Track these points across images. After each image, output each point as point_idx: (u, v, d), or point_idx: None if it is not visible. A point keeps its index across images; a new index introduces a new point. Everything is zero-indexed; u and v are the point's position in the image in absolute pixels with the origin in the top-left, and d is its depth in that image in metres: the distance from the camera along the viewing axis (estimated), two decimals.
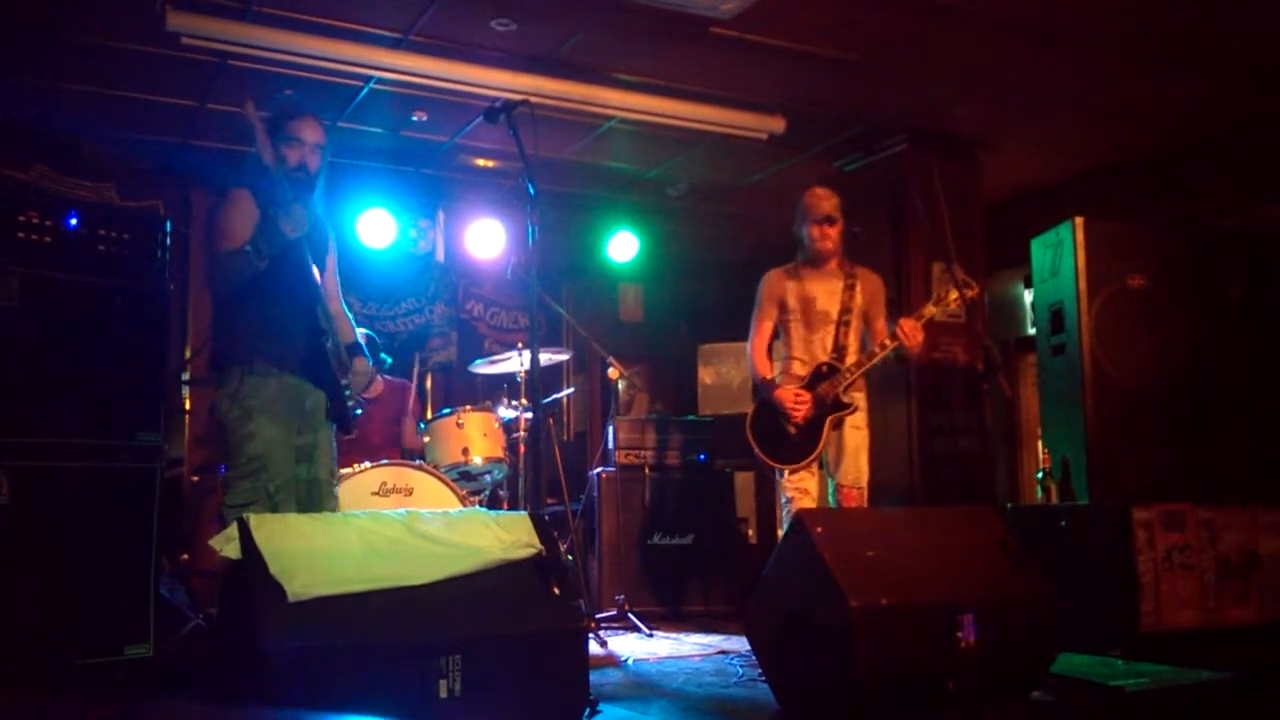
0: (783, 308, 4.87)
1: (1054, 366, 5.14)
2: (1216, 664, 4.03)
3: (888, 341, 4.64)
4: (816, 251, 4.80)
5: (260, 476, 3.60)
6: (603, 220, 8.00)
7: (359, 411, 3.94)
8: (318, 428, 3.80)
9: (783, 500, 4.72)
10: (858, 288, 4.81)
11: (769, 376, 4.84)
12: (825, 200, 4.79)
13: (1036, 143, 6.72)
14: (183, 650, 4.37)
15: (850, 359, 4.71)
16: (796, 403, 4.67)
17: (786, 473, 4.70)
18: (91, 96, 5.84)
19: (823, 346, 4.76)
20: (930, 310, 4.72)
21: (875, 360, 4.67)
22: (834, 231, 4.78)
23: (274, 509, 3.57)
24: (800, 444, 4.68)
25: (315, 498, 3.78)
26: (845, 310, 4.77)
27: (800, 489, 4.66)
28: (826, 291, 4.81)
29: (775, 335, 4.94)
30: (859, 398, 4.77)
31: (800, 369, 4.79)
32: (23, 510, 3.59)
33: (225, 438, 3.68)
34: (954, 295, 4.68)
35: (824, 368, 4.72)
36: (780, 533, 4.74)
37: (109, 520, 3.76)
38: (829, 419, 4.67)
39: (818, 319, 4.79)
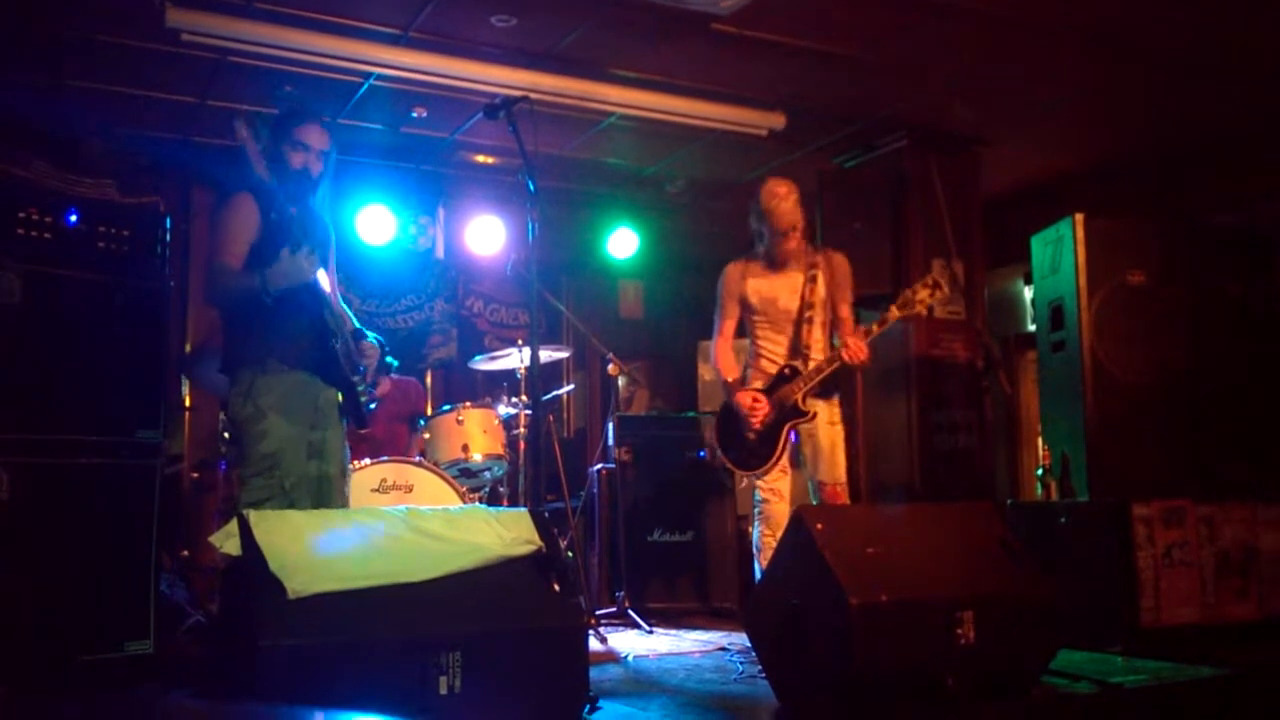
0: (746, 306, 4.72)
1: (1054, 363, 5.14)
2: (1216, 660, 4.03)
3: (833, 357, 4.49)
4: (779, 255, 4.64)
5: (274, 474, 3.60)
6: (603, 217, 8.00)
7: (373, 406, 3.94)
8: (329, 424, 3.80)
9: (756, 498, 4.64)
10: (819, 278, 4.62)
11: (730, 379, 4.71)
12: (785, 200, 4.55)
13: (1036, 139, 6.71)
14: (183, 647, 4.38)
15: (816, 357, 4.57)
16: (754, 407, 4.55)
17: (751, 478, 4.61)
18: (92, 93, 5.84)
19: (788, 347, 4.64)
20: (895, 313, 4.50)
21: (825, 374, 4.51)
22: (796, 235, 4.60)
23: (290, 505, 3.57)
24: (758, 449, 4.57)
25: (326, 494, 3.78)
26: (806, 306, 4.60)
27: (773, 490, 4.57)
28: (788, 288, 4.65)
29: (739, 333, 4.80)
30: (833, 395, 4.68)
31: (770, 368, 4.66)
32: (23, 507, 3.59)
33: (239, 436, 3.68)
34: (922, 295, 4.49)
35: (786, 370, 4.59)
36: (750, 529, 4.71)
37: (109, 517, 3.76)
38: (787, 425, 4.55)
39: (781, 317, 4.66)
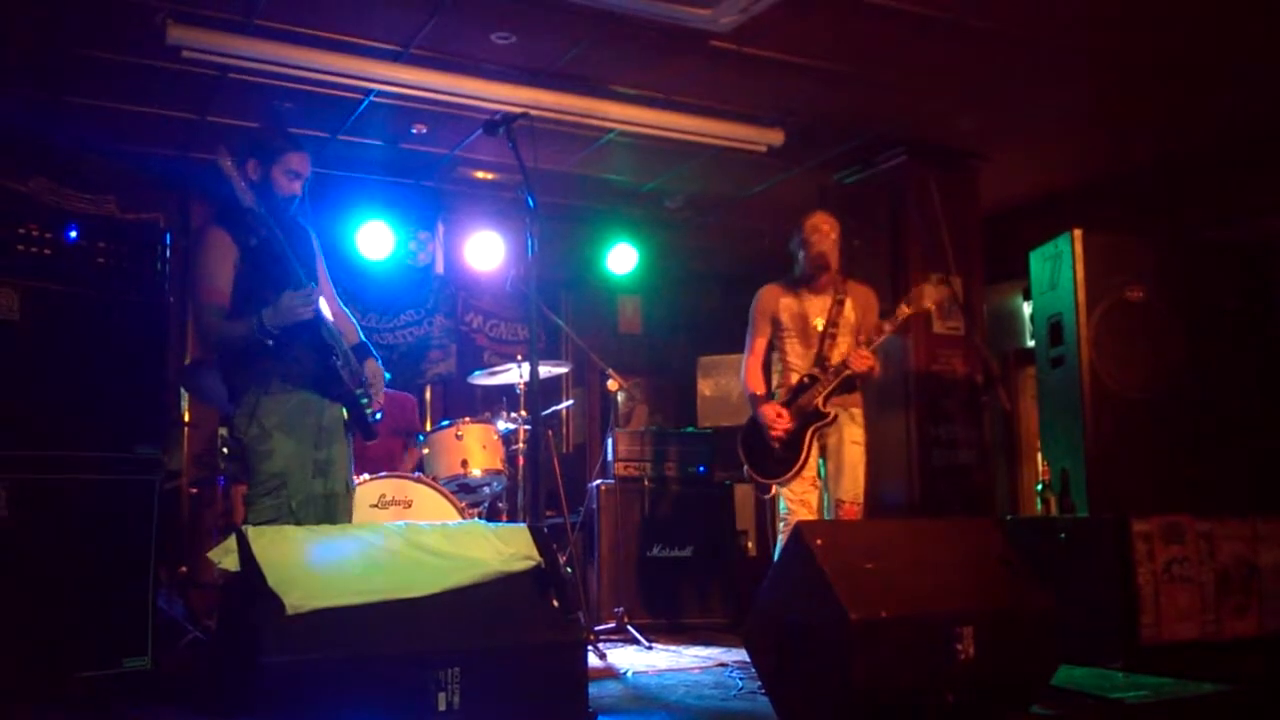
0: (776, 324, 4.91)
1: (1053, 378, 5.14)
2: (1217, 676, 4.02)
3: (840, 367, 4.69)
4: (815, 282, 4.85)
5: (281, 493, 3.58)
6: (602, 232, 8.02)
7: (379, 416, 3.93)
8: (334, 442, 3.79)
9: (781, 510, 4.73)
10: (847, 303, 4.84)
11: (757, 393, 4.88)
12: (829, 236, 4.80)
13: (1035, 155, 6.73)
14: (181, 663, 4.37)
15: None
16: (777, 418, 4.72)
17: (778, 485, 4.72)
18: (92, 109, 5.86)
19: (812, 360, 4.79)
20: (905, 310, 4.74)
21: (838, 380, 4.69)
22: (830, 270, 4.81)
23: (298, 524, 3.55)
24: (784, 457, 4.72)
25: (334, 511, 3.77)
26: (832, 324, 4.80)
27: (801, 500, 4.68)
28: (818, 307, 4.85)
29: (771, 349, 4.96)
30: (857, 414, 4.78)
31: (796, 380, 4.82)
32: (21, 523, 3.58)
33: (245, 456, 3.67)
34: (928, 291, 4.74)
35: (805, 379, 4.77)
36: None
37: (107, 533, 3.76)
38: (810, 430, 4.70)
39: (809, 333, 4.84)
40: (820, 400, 4.69)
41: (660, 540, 6.19)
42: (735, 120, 6.13)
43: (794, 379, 4.82)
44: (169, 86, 5.54)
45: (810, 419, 4.71)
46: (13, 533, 3.56)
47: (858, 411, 4.81)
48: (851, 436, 4.77)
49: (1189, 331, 5.13)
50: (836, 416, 4.72)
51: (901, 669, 3.21)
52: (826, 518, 4.77)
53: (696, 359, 8.41)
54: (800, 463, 4.68)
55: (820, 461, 4.78)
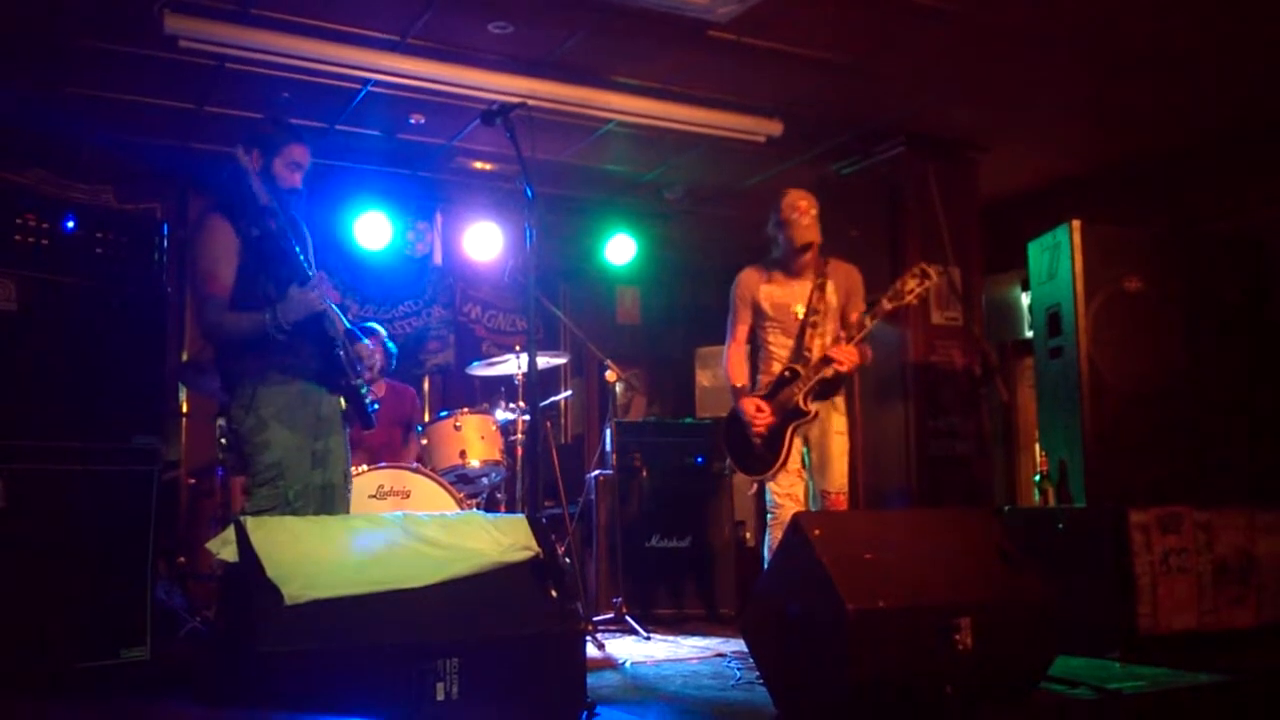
0: (758, 312, 4.76)
1: (1051, 369, 5.14)
2: (1214, 667, 4.03)
3: (820, 365, 4.51)
4: (794, 263, 4.70)
5: (278, 484, 3.58)
6: (600, 223, 8.01)
7: (376, 406, 3.93)
8: (332, 432, 3.79)
9: (769, 502, 4.65)
10: (828, 287, 4.68)
11: (738, 384, 4.76)
12: (805, 216, 4.62)
13: (1034, 146, 6.73)
14: (180, 653, 4.37)
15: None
16: (757, 415, 4.59)
17: (758, 480, 4.66)
18: (90, 99, 5.84)
19: (793, 351, 4.67)
20: (887, 305, 4.53)
21: (819, 377, 4.52)
22: (814, 244, 4.65)
23: (294, 515, 3.55)
24: (764, 454, 4.61)
25: (330, 502, 3.77)
26: (812, 312, 4.65)
27: (788, 494, 4.58)
28: (800, 295, 4.70)
29: (753, 337, 4.83)
30: (839, 402, 4.69)
31: (778, 372, 4.69)
32: (20, 513, 3.58)
33: (241, 447, 3.66)
34: (911, 285, 4.50)
35: (786, 373, 4.62)
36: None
37: (106, 523, 3.75)
38: (790, 427, 4.57)
39: (791, 323, 4.70)
40: (801, 398, 4.54)
41: (658, 531, 6.19)
42: (734, 111, 6.12)
43: (776, 369, 4.69)
44: (166, 76, 5.53)
45: (791, 416, 4.56)
46: (11, 523, 3.56)
47: (840, 400, 4.69)
48: (835, 427, 4.65)
49: (1187, 323, 5.12)
50: (818, 414, 4.57)
51: (900, 659, 3.21)
52: (813, 508, 4.65)
53: (695, 350, 8.41)
54: (780, 462, 4.57)
55: (804, 451, 4.67)
